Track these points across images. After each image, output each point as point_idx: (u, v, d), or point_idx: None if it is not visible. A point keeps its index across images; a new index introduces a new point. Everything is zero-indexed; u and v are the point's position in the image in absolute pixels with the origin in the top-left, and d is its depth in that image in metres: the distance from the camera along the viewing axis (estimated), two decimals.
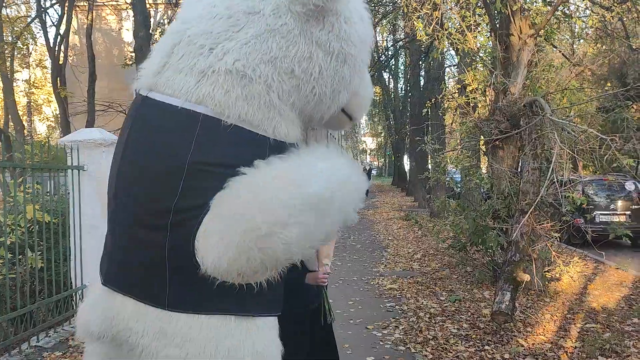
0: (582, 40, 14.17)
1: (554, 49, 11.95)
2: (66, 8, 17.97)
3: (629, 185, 11.66)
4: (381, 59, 28.95)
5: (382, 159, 73.98)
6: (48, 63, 22.05)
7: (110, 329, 1.66)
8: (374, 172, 69.36)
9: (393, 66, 32.96)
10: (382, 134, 53.26)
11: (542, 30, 7.83)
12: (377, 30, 28.25)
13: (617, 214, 11.60)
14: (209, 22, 1.63)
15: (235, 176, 1.50)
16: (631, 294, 7.29)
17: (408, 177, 30.59)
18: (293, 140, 1.70)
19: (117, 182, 1.69)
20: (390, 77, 35.16)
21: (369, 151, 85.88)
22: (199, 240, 1.49)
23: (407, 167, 33.21)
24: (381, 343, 5.38)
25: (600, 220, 11.16)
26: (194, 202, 1.51)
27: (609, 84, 17.62)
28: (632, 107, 16.23)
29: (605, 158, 5.51)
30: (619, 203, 11.72)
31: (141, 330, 1.58)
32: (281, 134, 1.65)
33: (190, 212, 1.51)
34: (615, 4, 9.22)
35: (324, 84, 1.69)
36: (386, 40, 32.03)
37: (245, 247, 1.44)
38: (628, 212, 11.61)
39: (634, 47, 11.69)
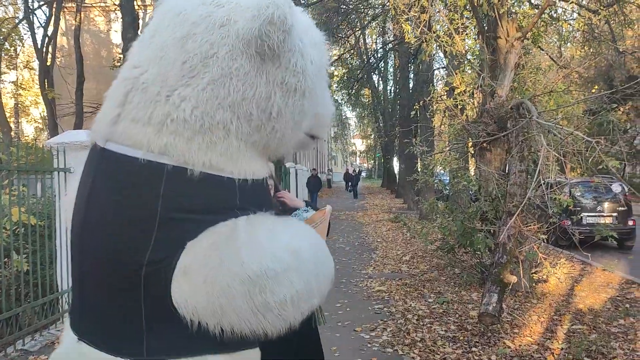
0: (569, 43, 14.29)
1: (542, 51, 12.05)
2: (54, 9, 17.86)
3: (616, 187, 11.76)
4: (370, 61, 29.06)
5: (372, 161, 74.19)
6: (35, 64, 21.91)
7: None
8: (363, 174, 69.51)
9: (382, 68, 33.07)
10: (372, 136, 53.42)
11: (529, 33, 7.89)
12: (366, 32, 28.36)
13: (603, 216, 11.70)
14: (163, 67, 1.59)
15: (208, 222, 1.50)
16: (617, 296, 7.35)
17: (397, 179, 30.69)
18: (261, 176, 1.69)
19: (82, 239, 1.64)
20: (380, 79, 35.27)
21: (358, 153, 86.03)
22: (176, 286, 1.47)
23: (396, 169, 33.30)
24: (369, 345, 5.39)
25: (587, 222, 11.24)
26: (167, 252, 1.48)
27: (596, 87, 17.80)
28: (619, 110, 16.42)
29: (590, 160, 5.55)
30: (606, 205, 11.82)
31: None
32: (248, 173, 1.62)
33: (164, 262, 1.48)
34: (602, 7, 9.31)
35: (285, 121, 1.68)
36: (375, 42, 32.17)
37: (228, 291, 1.45)
38: (614, 214, 11.72)
39: (620, 50, 11.81)
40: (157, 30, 1.66)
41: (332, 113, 2.05)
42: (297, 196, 3.23)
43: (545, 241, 7.44)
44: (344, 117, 64.35)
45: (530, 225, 6.39)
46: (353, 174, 34.76)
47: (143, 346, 1.52)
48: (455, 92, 8.46)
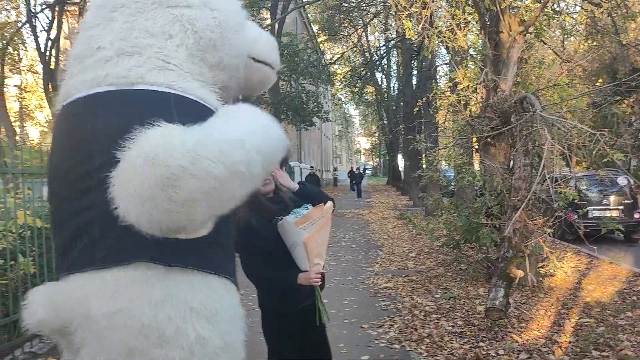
0: (572, 37, 14.23)
1: (545, 45, 12.01)
2: (56, 13, 17.93)
3: (621, 180, 11.72)
4: (373, 58, 29.03)
5: (377, 159, 74.09)
6: (39, 68, 21.97)
7: (63, 313, 1.63)
8: (368, 171, 69.48)
9: (385, 66, 33.03)
10: (376, 134, 53.36)
11: (532, 27, 7.86)
12: (368, 30, 28.33)
13: (609, 209, 11.65)
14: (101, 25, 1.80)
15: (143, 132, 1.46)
16: (625, 288, 7.32)
17: (402, 176, 30.65)
18: (199, 95, 1.73)
19: (50, 181, 1.78)
20: (383, 76, 35.24)
21: (363, 151, 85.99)
22: (115, 192, 1.43)
23: (401, 166, 33.26)
24: (376, 342, 5.39)
25: (593, 215, 11.20)
26: (108, 161, 1.48)
27: (600, 80, 17.72)
28: (624, 103, 16.34)
29: (595, 153, 5.53)
30: (612, 198, 11.77)
31: (80, 297, 1.57)
32: (185, 88, 1.70)
33: (105, 170, 1.49)
34: (604, 0, 9.26)
35: (204, 30, 1.78)
36: (378, 40, 32.15)
37: (151, 194, 1.35)
38: (621, 207, 11.67)
39: (623, 42, 11.75)
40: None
41: (269, 34, 2.11)
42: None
43: (551, 235, 7.42)
44: (348, 115, 64.42)
45: (535, 220, 6.37)
46: (357, 172, 34.52)
47: (95, 257, 1.57)
48: (458, 88, 8.44)
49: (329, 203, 3.15)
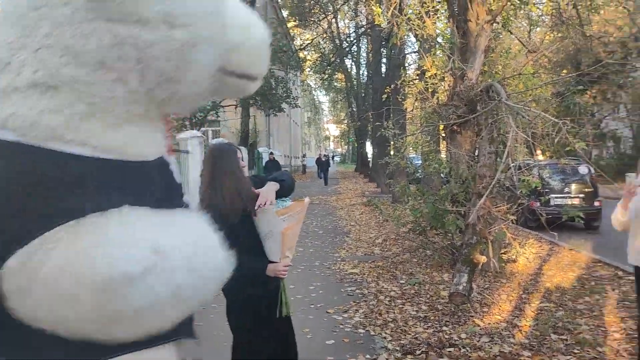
0: (538, 28, 14.45)
1: (511, 35, 12.16)
2: None
3: (582, 169, 12.02)
4: (343, 45, 28.99)
5: (346, 146, 74.39)
6: None
7: None
8: (337, 158, 69.68)
9: (355, 53, 33.02)
10: (345, 121, 53.49)
11: (499, 17, 7.96)
12: (338, 16, 28.25)
13: (571, 197, 11.94)
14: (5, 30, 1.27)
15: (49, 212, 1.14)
16: (584, 274, 7.53)
17: (370, 163, 30.81)
18: (133, 153, 1.29)
19: None
20: (353, 63, 35.24)
21: (332, 138, 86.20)
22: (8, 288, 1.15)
23: (369, 153, 33.41)
24: (341, 326, 5.43)
25: (555, 203, 11.46)
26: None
27: (564, 71, 18.07)
28: (586, 93, 16.73)
29: (557, 141, 5.65)
30: (573, 186, 12.06)
31: None
32: (110, 145, 1.25)
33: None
34: None
35: (156, 60, 1.25)
36: (348, 26, 32.09)
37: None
38: (581, 195, 11.97)
39: (587, 34, 11.97)
40: None
41: (260, 37, 1.49)
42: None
43: (514, 222, 7.57)
44: (317, 101, 64.35)
45: (499, 206, 6.49)
46: (324, 159, 33.98)
47: None
48: (426, 76, 8.50)
49: (307, 199, 3.16)
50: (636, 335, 4.55)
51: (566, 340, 4.87)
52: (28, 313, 1.16)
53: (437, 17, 9.08)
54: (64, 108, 1.21)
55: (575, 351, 4.60)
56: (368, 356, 4.62)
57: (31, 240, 1.12)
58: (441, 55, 9.04)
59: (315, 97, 59.03)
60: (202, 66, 1.32)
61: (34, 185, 1.15)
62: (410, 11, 9.13)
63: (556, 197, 11.67)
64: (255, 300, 3.13)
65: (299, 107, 36.57)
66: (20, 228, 1.13)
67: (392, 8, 8.21)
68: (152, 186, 1.33)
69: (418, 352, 4.67)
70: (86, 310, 1.13)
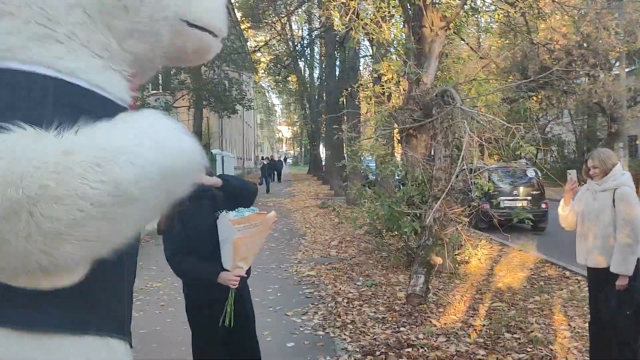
0: (487, 34, 14.86)
1: (462, 42, 12.47)
2: None
3: (530, 172, 12.43)
4: (297, 48, 29.02)
5: (298, 148, 74.37)
6: None
7: None
8: (289, 160, 69.60)
9: (309, 55, 33.11)
10: (298, 123, 53.54)
11: (452, 23, 8.15)
12: (293, 19, 28.26)
13: (519, 199, 12.32)
14: None
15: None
16: (533, 274, 7.78)
17: (324, 166, 30.89)
18: (96, 82, 1.23)
19: None
20: (306, 66, 35.31)
21: (284, 140, 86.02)
22: None
23: (323, 155, 33.51)
24: (301, 329, 5.44)
25: (505, 205, 11.80)
26: None
27: (511, 77, 18.62)
28: (533, 99, 17.28)
29: (509, 145, 5.83)
30: (521, 189, 12.45)
31: None
32: (74, 70, 1.20)
33: None
34: (518, 0, 9.72)
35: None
36: (302, 29, 32.12)
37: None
38: (529, 198, 12.37)
39: (534, 41, 12.39)
40: None
41: None
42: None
43: (467, 224, 7.76)
44: (270, 103, 64.15)
45: (454, 209, 6.65)
46: (267, 163, 31.97)
47: None
48: (382, 80, 8.62)
49: (272, 213, 3.16)
50: (585, 334, 4.75)
51: (519, 338, 5.02)
52: None
53: (393, 23, 9.21)
54: (19, 30, 1.18)
55: (528, 349, 4.75)
56: (329, 358, 4.64)
57: None
58: (397, 60, 9.18)
59: (268, 99, 58.87)
60: (159, 3, 1.30)
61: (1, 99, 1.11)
62: (367, 15, 9.24)
63: (506, 200, 12.01)
64: (202, 304, 3.18)
65: (253, 108, 36.37)
66: None
67: (350, 13, 8.29)
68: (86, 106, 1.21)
69: (378, 353, 4.72)
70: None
